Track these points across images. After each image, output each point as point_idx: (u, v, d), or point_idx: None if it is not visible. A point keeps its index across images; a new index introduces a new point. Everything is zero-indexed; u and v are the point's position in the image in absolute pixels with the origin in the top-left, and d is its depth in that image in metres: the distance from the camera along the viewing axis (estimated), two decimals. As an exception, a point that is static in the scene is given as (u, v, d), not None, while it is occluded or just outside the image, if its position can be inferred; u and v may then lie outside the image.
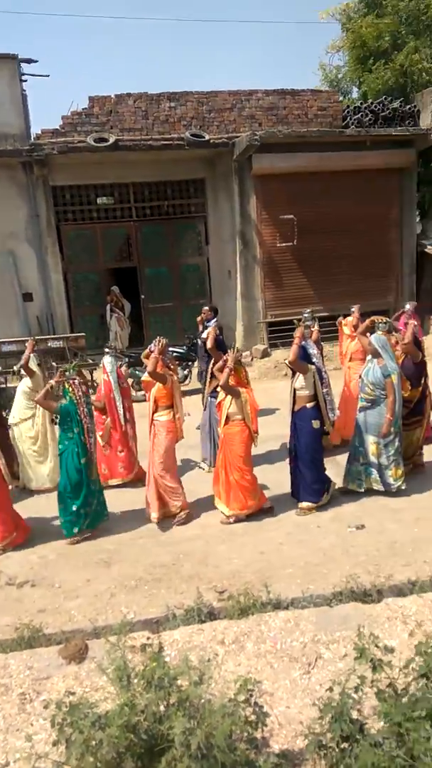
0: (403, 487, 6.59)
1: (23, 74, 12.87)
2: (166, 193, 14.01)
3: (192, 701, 2.73)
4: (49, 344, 11.16)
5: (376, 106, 14.22)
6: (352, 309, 8.78)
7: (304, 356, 6.43)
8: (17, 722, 3.65)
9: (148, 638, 3.63)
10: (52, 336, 12.17)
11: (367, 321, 7.17)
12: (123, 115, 13.03)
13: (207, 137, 12.82)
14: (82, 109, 12.99)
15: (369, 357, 6.67)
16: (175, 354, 10.96)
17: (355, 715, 2.86)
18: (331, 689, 2.95)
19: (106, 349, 7.62)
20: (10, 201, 12.79)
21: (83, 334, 11.94)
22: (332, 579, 5.04)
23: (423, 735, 2.64)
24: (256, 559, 5.52)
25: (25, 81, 12.98)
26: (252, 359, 13.59)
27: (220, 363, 6.48)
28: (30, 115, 13.01)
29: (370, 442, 6.56)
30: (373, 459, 6.58)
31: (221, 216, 14.07)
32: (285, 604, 4.75)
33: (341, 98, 16.13)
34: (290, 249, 13.82)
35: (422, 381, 6.99)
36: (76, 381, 6.13)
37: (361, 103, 14.51)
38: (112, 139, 12.26)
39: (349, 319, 8.71)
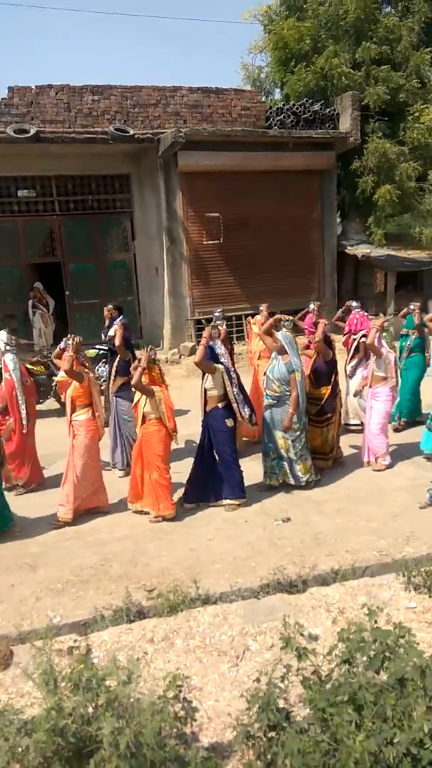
0: (311, 480, 6.81)
1: None
2: (91, 187, 13.77)
3: (121, 701, 2.72)
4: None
5: (297, 108, 14.53)
6: (261, 308, 8.86)
7: (211, 356, 6.45)
8: None
9: (75, 641, 3.58)
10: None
11: (271, 320, 7.37)
12: (44, 106, 12.69)
13: (131, 132, 12.69)
14: (1, 99, 12.55)
15: (274, 354, 6.81)
16: (101, 352, 10.80)
17: (281, 703, 2.94)
18: (258, 680, 3.02)
19: (7, 347, 7.23)
20: None
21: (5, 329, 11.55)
22: (260, 572, 5.14)
23: (345, 719, 2.74)
24: (186, 555, 5.54)
25: None
26: (180, 356, 13.61)
27: (135, 362, 6.44)
28: None
29: (279, 437, 6.72)
30: (283, 453, 6.75)
31: (147, 212, 13.98)
32: (214, 598, 4.80)
33: (264, 99, 16.37)
34: (217, 247, 13.94)
35: (332, 379, 7.16)
36: None
37: (284, 104, 14.78)
38: (33, 131, 11.92)
39: (258, 317, 8.82)
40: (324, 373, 7.12)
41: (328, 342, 7.20)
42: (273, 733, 2.86)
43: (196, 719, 2.95)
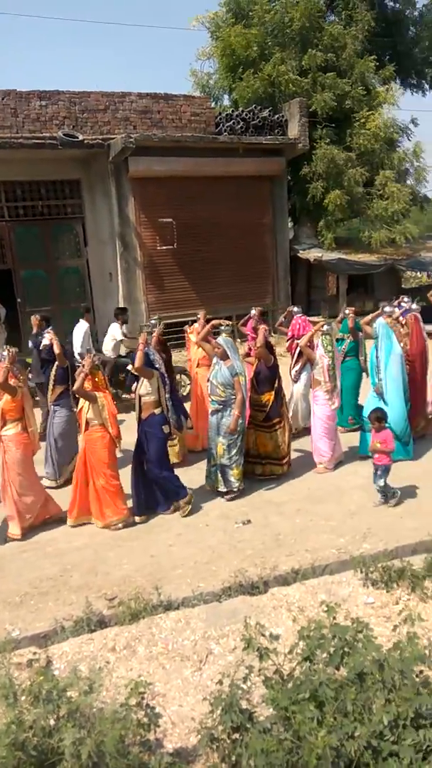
0: (242, 488, 6.82)
1: None
2: (40, 193, 13.57)
3: (82, 711, 2.70)
4: None
5: (247, 114, 14.69)
6: (198, 315, 8.74)
7: (147, 362, 6.44)
8: None
9: (34, 653, 3.51)
10: None
11: (208, 326, 7.35)
12: (-10, 111, 12.46)
13: (81, 137, 12.59)
14: None
15: (215, 360, 6.78)
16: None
17: (244, 704, 2.96)
18: (220, 682, 3.03)
19: None
20: None
21: None
22: (221, 575, 5.15)
23: (307, 716, 2.78)
24: (147, 562, 5.51)
25: None
26: (136, 362, 13.52)
27: (79, 369, 6.35)
28: None
29: (219, 443, 6.69)
30: (218, 460, 6.73)
31: (99, 217, 13.88)
32: (176, 604, 4.79)
33: (213, 105, 16.49)
34: (171, 252, 13.94)
35: (275, 384, 7.09)
36: None
37: (233, 111, 14.92)
38: (-21, 136, 11.68)
39: (195, 326, 8.66)
40: (266, 378, 7.08)
41: (269, 347, 7.20)
42: (237, 735, 2.88)
43: (159, 725, 2.95)
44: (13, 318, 13.72)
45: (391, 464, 6.41)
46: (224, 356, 6.66)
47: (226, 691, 2.94)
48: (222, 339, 6.77)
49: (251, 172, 14.52)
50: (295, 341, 8.39)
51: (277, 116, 15.09)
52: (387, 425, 6.43)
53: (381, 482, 6.36)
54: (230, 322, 7.27)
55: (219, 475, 6.79)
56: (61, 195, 13.82)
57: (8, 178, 13.04)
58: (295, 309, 8.92)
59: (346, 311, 8.74)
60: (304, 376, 8.16)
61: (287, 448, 7.28)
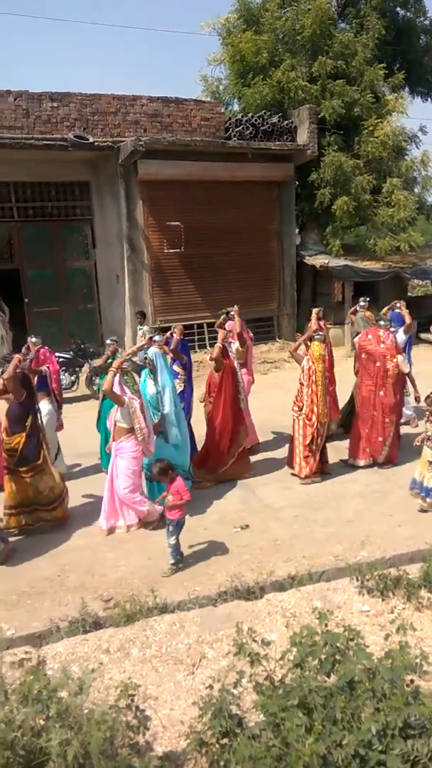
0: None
1: None
2: (50, 194, 13.67)
3: (72, 712, 2.71)
4: None
5: (256, 120, 14.72)
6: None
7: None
8: None
9: (27, 653, 3.53)
10: None
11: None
12: (2, 112, 12.55)
13: (91, 139, 12.65)
14: (-42, 104, 12.37)
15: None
16: (61, 359, 10.70)
17: (234, 710, 2.96)
18: (211, 687, 3.04)
19: None
20: None
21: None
22: (218, 579, 5.16)
23: (296, 723, 2.78)
24: (144, 564, 5.52)
25: None
26: (140, 365, 13.55)
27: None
28: None
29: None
30: None
31: (108, 220, 13.94)
32: (171, 607, 4.80)
33: (223, 110, 16.53)
34: (178, 255, 13.98)
35: (27, 422, 6.08)
36: None
37: (242, 116, 14.96)
38: (-10, 137, 11.76)
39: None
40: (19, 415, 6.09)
41: (25, 380, 6.21)
42: (226, 740, 2.88)
43: (149, 728, 2.96)
44: (19, 318, 13.80)
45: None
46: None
47: (216, 696, 2.95)
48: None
49: (259, 178, 14.55)
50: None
51: (286, 122, 15.12)
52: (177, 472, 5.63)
53: (173, 540, 5.37)
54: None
55: None
56: (71, 196, 13.92)
57: (18, 178, 13.14)
58: (34, 339, 7.68)
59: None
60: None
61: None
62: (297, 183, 15.95)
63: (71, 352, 11.88)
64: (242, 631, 3.23)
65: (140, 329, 11.05)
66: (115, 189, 13.46)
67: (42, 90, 12.90)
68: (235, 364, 7.44)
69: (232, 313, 8.31)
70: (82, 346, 12.03)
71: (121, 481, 6.09)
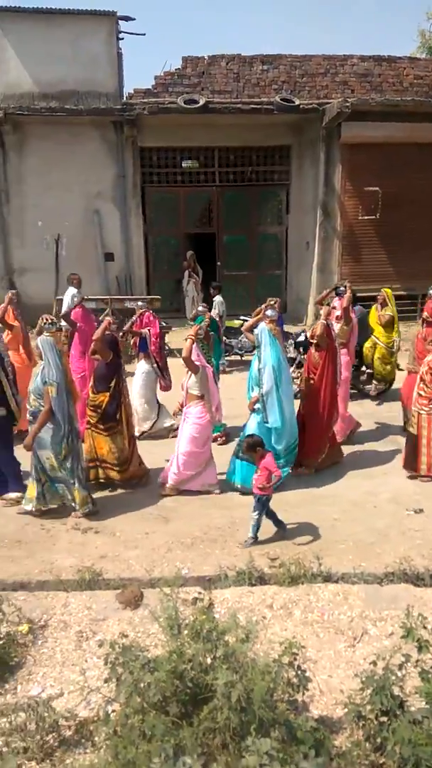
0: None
1: (120, 32, 12.91)
2: (251, 159, 13.87)
3: (237, 657, 2.85)
4: (126, 304, 11.42)
5: None
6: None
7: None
8: (73, 657, 3.91)
9: (199, 593, 3.77)
10: (129, 297, 12.45)
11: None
12: (215, 76, 12.92)
13: (297, 102, 12.53)
14: (175, 69, 12.96)
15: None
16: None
17: (396, 691, 2.91)
18: (374, 663, 3.00)
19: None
20: (100, 160, 13.03)
21: (159, 297, 12.13)
22: (385, 559, 5.03)
23: (462, 718, 2.66)
24: (310, 531, 5.57)
25: (122, 39, 13.04)
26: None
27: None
28: (124, 74, 13.11)
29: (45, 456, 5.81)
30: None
31: (304, 185, 13.81)
32: (335, 578, 4.80)
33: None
34: (373, 223, 13.45)
35: (111, 384, 6.28)
36: None
37: (463, 72, 13.73)
38: (202, 101, 12.20)
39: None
40: (103, 376, 6.27)
41: (114, 343, 6.38)
42: (385, 718, 2.85)
43: (308, 689, 3.02)
44: (211, 280, 14.35)
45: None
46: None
47: (380, 674, 2.91)
48: (42, 339, 5.74)
49: (474, 141, 13.32)
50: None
51: None
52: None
53: (255, 515, 5.34)
54: (53, 319, 6.03)
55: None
56: (270, 161, 13.98)
57: (223, 143, 13.50)
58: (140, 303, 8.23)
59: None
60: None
61: (131, 455, 6.45)
62: None
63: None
64: (412, 616, 3.13)
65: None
66: (315, 153, 13.25)
67: (254, 53, 13.01)
68: (336, 344, 6.95)
69: (341, 288, 7.85)
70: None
71: (182, 444, 6.24)
